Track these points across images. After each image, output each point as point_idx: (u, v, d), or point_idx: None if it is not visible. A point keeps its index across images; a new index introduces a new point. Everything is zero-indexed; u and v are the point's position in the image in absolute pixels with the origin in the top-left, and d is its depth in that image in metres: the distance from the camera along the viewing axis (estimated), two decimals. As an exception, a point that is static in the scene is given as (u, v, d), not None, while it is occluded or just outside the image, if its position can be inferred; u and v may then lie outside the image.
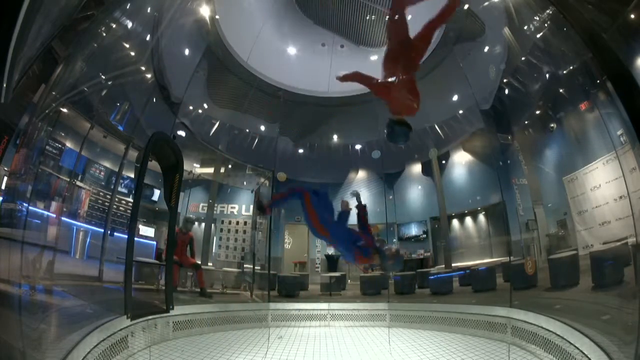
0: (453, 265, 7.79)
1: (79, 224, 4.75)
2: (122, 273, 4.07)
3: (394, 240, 9.56)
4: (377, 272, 8.43)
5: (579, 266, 4.31)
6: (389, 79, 2.96)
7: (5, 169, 2.77)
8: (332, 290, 7.40)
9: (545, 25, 4.28)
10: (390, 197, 9.32)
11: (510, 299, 4.63)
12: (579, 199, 4.78)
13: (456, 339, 4.80)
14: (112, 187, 5.45)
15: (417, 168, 9.45)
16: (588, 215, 4.63)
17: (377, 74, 3.02)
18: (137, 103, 5.30)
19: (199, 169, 8.13)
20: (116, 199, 5.53)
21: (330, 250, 9.76)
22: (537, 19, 4.43)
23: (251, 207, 8.75)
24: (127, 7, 4.29)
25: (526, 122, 5.98)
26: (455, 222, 8.73)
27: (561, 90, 4.87)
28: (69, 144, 4.47)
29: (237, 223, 8.81)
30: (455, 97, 7.93)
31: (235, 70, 7.53)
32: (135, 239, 4.53)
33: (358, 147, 9.25)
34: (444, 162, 8.72)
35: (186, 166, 5.34)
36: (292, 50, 8.12)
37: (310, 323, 6.18)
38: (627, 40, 2.90)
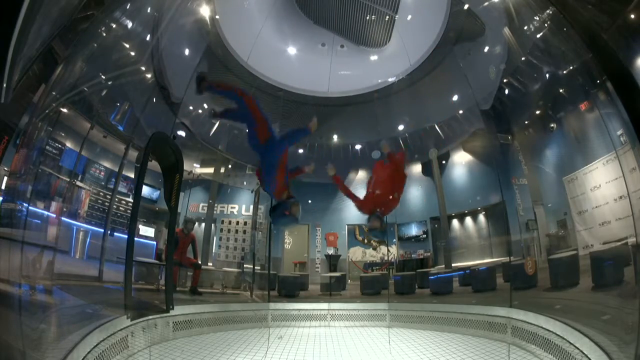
0: (453, 265, 7.79)
1: (79, 224, 4.75)
2: (122, 273, 4.08)
3: (394, 240, 9.57)
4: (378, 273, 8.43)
5: (579, 266, 4.31)
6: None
7: (5, 169, 2.76)
8: (332, 290, 7.40)
9: (545, 25, 4.28)
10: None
11: (510, 299, 4.62)
12: (579, 199, 4.78)
13: (456, 339, 4.79)
14: (112, 187, 5.45)
15: (417, 168, 9.44)
16: (588, 215, 4.63)
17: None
18: (137, 103, 5.30)
19: (199, 169, 8.13)
20: (116, 199, 5.53)
21: (331, 250, 9.76)
22: (537, 19, 4.43)
23: (251, 207, 8.76)
24: (127, 7, 4.29)
25: (526, 122, 5.98)
26: (455, 222, 8.73)
27: (561, 90, 4.88)
28: (69, 144, 4.48)
29: (237, 223, 8.82)
30: (455, 97, 7.93)
31: (235, 70, 7.53)
32: (135, 239, 4.53)
33: (358, 147, 9.26)
34: (444, 162, 8.72)
35: (186, 166, 5.35)
36: (292, 50, 8.11)
37: (310, 323, 6.17)
38: (627, 40, 2.90)
